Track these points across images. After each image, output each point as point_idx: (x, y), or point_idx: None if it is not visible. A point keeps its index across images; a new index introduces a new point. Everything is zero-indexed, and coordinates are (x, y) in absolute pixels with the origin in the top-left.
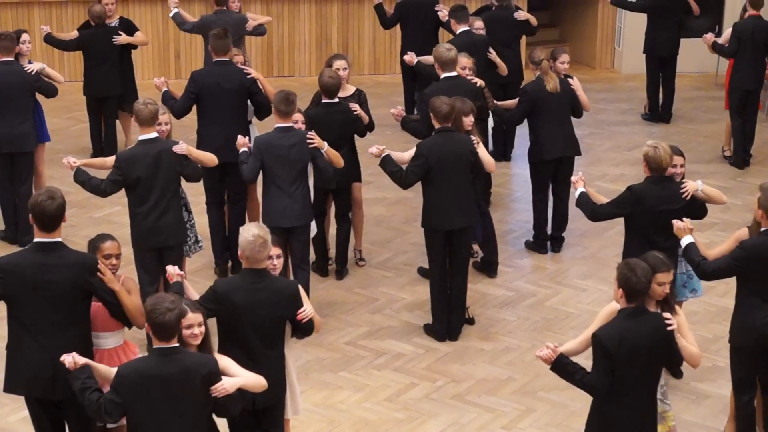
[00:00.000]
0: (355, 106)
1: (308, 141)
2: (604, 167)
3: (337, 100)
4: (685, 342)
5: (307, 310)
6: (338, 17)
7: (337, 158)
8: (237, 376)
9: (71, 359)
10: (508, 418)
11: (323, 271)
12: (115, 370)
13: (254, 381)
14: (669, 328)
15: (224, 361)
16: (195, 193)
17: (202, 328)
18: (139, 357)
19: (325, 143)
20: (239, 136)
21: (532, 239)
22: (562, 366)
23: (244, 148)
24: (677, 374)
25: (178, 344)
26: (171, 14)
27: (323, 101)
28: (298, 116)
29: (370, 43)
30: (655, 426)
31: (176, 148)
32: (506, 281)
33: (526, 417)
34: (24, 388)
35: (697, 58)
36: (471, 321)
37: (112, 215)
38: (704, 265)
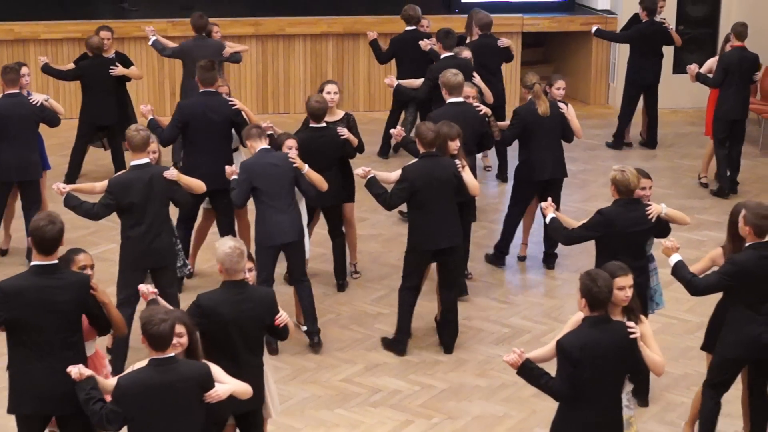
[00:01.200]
0: (342, 130)
1: (291, 159)
2: (599, 203)
3: (324, 124)
4: (649, 351)
5: (283, 316)
6: (333, 54)
7: (319, 181)
8: (227, 383)
9: (77, 370)
10: None
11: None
12: (112, 381)
13: (243, 388)
14: (631, 336)
15: (213, 369)
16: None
17: (183, 339)
18: (137, 368)
19: (306, 165)
20: (227, 166)
21: (493, 251)
22: (528, 371)
23: (234, 176)
24: (642, 403)
25: (173, 354)
26: (150, 42)
27: (311, 125)
28: (292, 143)
29: (365, 80)
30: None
31: (167, 174)
32: (501, 317)
33: None
34: (31, 407)
35: (692, 94)
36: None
37: (107, 252)
38: (695, 282)
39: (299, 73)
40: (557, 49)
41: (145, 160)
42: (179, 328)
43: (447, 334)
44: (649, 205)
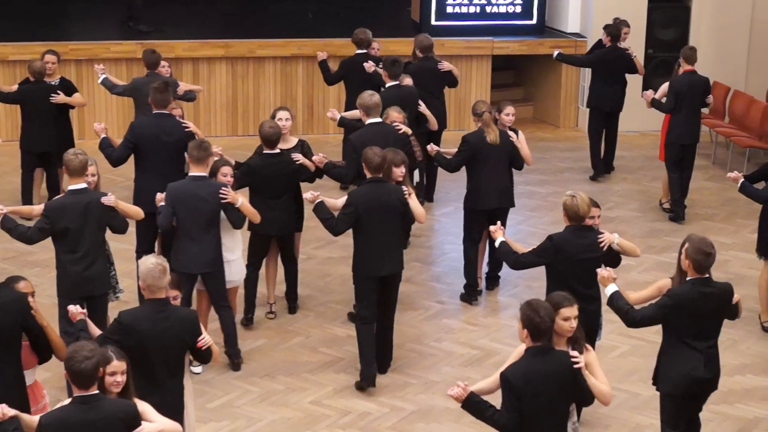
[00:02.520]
0: (297, 156)
1: (221, 195)
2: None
3: (278, 150)
4: (595, 380)
5: (206, 338)
6: (303, 77)
7: (253, 215)
8: (155, 422)
9: (0, 412)
10: None
11: (249, 322)
12: (36, 419)
13: (171, 427)
14: (575, 366)
15: (142, 407)
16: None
17: (125, 376)
18: (59, 406)
19: (239, 198)
20: (158, 193)
21: (463, 289)
22: (473, 404)
23: (163, 203)
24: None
25: (97, 391)
26: (99, 80)
27: (264, 151)
28: (227, 170)
29: (335, 102)
30: None
31: (104, 200)
32: (471, 340)
33: None
34: None
35: (660, 117)
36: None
37: None
38: (632, 313)
39: (269, 95)
40: (527, 73)
41: (83, 185)
42: (122, 365)
43: (382, 354)
44: (602, 233)
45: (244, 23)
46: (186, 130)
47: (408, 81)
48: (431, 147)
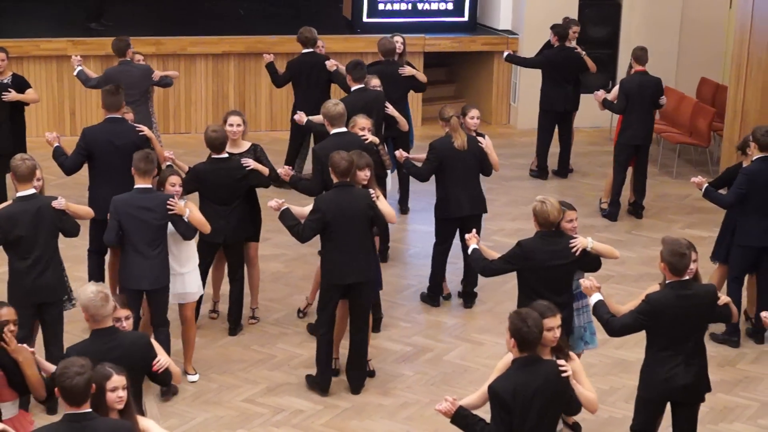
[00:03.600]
0: (247, 161)
1: (168, 207)
2: (502, 222)
3: (225, 155)
4: (582, 388)
5: (161, 360)
6: (234, 74)
7: (202, 225)
8: None
9: None
10: None
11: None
12: None
13: None
14: (563, 375)
15: (145, 423)
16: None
17: (126, 392)
18: (48, 424)
19: (187, 210)
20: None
21: (426, 291)
22: (462, 418)
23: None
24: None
25: (90, 410)
26: (75, 72)
27: (211, 156)
28: (175, 180)
29: (267, 100)
30: None
31: (55, 204)
32: (404, 336)
33: None
34: None
35: (592, 114)
36: (372, 374)
37: None
38: (612, 323)
39: (201, 93)
40: (459, 70)
41: (32, 191)
42: (122, 379)
43: (354, 376)
44: (574, 238)
45: (175, 20)
46: (140, 134)
47: (375, 82)
48: (400, 153)
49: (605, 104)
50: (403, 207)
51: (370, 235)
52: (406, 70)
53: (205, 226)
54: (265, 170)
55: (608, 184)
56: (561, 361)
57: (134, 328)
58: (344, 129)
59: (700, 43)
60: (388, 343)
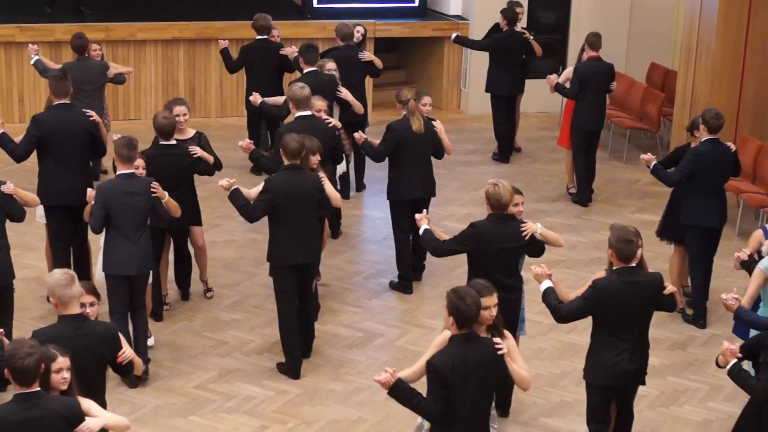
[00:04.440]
0: (194, 149)
1: (152, 190)
2: (452, 207)
3: (174, 142)
4: (515, 366)
5: (126, 352)
6: (184, 60)
7: (176, 209)
8: (99, 416)
9: None
10: None
11: (158, 317)
12: None
13: (117, 421)
14: (499, 353)
15: (86, 404)
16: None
17: (70, 373)
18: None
19: (167, 193)
20: (88, 189)
21: (397, 279)
22: (400, 391)
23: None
24: (503, 414)
25: (39, 389)
26: (32, 62)
27: (160, 142)
28: (139, 162)
29: (216, 86)
30: None
31: (4, 188)
32: (355, 322)
33: None
34: None
35: (542, 99)
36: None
37: None
38: (559, 309)
39: (150, 79)
40: (410, 55)
41: None
42: (66, 360)
43: (303, 339)
44: (524, 222)
45: (123, 6)
46: (90, 119)
47: (330, 65)
48: (359, 135)
49: (557, 88)
50: (359, 184)
51: (318, 218)
52: (366, 55)
53: (178, 211)
54: (210, 158)
55: (569, 169)
56: (497, 339)
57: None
58: (309, 112)
59: (649, 29)
60: (339, 328)
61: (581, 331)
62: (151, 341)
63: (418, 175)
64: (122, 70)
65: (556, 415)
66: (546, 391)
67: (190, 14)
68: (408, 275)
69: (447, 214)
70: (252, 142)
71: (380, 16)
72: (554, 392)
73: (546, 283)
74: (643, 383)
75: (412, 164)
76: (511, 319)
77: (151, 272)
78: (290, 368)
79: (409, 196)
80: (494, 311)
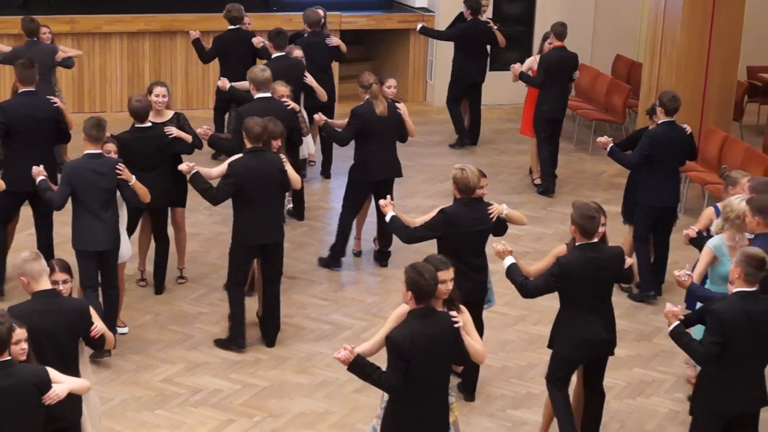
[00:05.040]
0: (170, 129)
1: (117, 171)
2: (418, 199)
3: (149, 124)
4: (470, 339)
5: (98, 326)
6: (150, 52)
7: (144, 193)
8: (62, 383)
9: None
10: None
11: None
12: None
13: (80, 384)
14: (456, 326)
15: (50, 372)
16: None
17: (27, 344)
18: None
19: (133, 177)
20: (34, 167)
21: (328, 253)
22: (360, 366)
23: (42, 177)
24: (469, 397)
25: (9, 357)
26: None
27: (135, 125)
28: (111, 146)
29: (182, 78)
30: (447, 421)
31: None
32: (322, 315)
33: None
34: None
35: (508, 91)
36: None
37: None
38: (526, 285)
39: (116, 72)
40: (376, 47)
41: None
42: (24, 332)
43: (270, 327)
44: (491, 204)
45: None
46: (54, 105)
47: (298, 53)
48: (319, 116)
49: (522, 77)
50: (326, 172)
51: (281, 199)
52: (333, 40)
53: (147, 195)
54: (188, 137)
55: (533, 159)
56: (453, 313)
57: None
58: (269, 94)
59: (614, 21)
60: (306, 321)
61: (548, 323)
62: (125, 330)
63: (383, 158)
64: (71, 54)
65: (523, 407)
66: (513, 383)
67: (156, 6)
68: (339, 253)
69: (413, 206)
70: (209, 128)
71: (346, 8)
72: (521, 384)
73: (509, 260)
74: (612, 354)
75: (378, 147)
76: (480, 297)
77: (128, 247)
78: (234, 341)
79: (374, 178)
80: (450, 285)
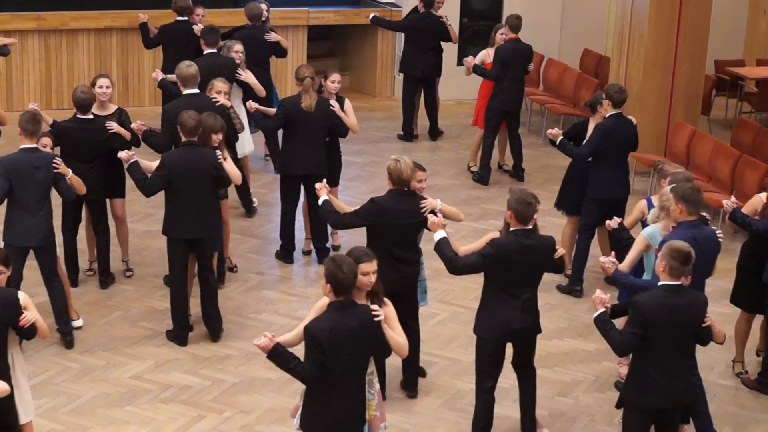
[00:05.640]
0: (110, 124)
1: (54, 165)
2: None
3: (91, 116)
4: (393, 333)
5: (28, 316)
6: (117, 49)
7: (80, 186)
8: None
9: None
10: None
11: (74, 283)
12: None
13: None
14: (376, 319)
15: None
16: None
17: None
18: None
19: (70, 171)
20: None
21: (279, 249)
22: (279, 355)
23: None
24: (411, 394)
25: None
26: None
27: (76, 116)
28: (46, 140)
29: (150, 75)
30: (364, 414)
31: None
32: (291, 310)
33: None
34: None
35: (476, 85)
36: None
37: None
38: (455, 260)
39: (83, 68)
40: (343, 43)
41: None
42: None
43: (213, 325)
44: (425, 198)
45: None
46: None
47: (238, 47)
48: (250, 104)
49: (477, 71)
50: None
51: (214, 194)
52: (272, 36)
53: (82, 188)
54: (128, 134)
55: (474, 148)
56: (374, 306)
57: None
58: (196, 90)
59: (582, 15)
60: (274, 317)
61: None
62: (79, 322)
63: (306, 152)
64: (6, 42)
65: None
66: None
67: (123, 3)
68: (290, 246)
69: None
70: (143, 123)
71: (314, 3)
72: (468, 381)
73: (440, 233)
74: (539, 331)
75: (301, 141)
76: (410, 291)
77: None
78: (177, 335)
79: (295, 171)
80: (374, 277)
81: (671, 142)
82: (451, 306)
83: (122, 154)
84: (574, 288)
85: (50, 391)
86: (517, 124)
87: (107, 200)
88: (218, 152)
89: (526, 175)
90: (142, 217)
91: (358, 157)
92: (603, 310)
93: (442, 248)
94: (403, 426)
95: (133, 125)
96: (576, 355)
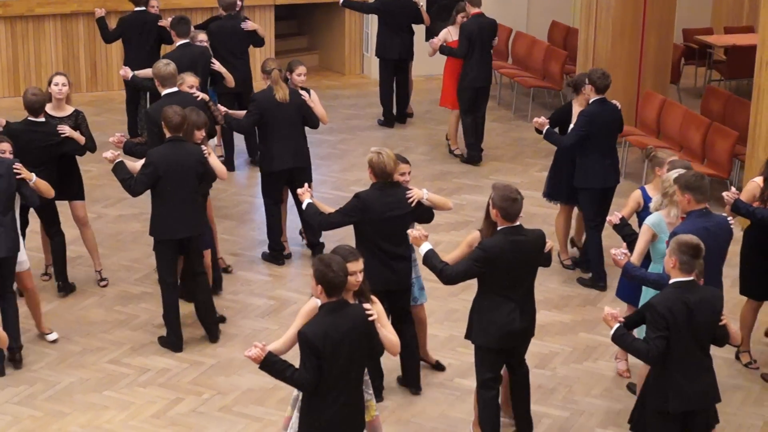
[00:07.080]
0: (63, 128)
1: (15, 171)
2: (358, 172)
3: (42, 119)
4: (385, 331)
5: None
6: (84, 34)
7: (47, 189)
8: None
9: None
10: (276, 426)
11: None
12: None
13: None
14: (369, 318)
15: None
16: None
17: None
18: None
19: (33, 175)
20: None
21: (267, 250)
22: (272, 364)
23: None
24: (415, 391)
25: None
26: None
27: (28, 118)
28: (5, 146)
29: (118, 60)
30: (363, 416)
31: None
32: (267, 290)
33: None
34: None
35: (441, 62)
36: (222, 319)
37: None
38: (446, 270)
39: (51, 55)
40: (310, 21)
41: None
42: None
43: (210, 326)
44: (410, 189)
45: None
46: None
47: (202, 37)
48: (219, 108)
49: (443, 50)
50: (230, 165)
51: (200, 192)
52: (249, 25)
53: (50, 191)
54: (81, 139)
55: (452, 130)
56: (367, 305)
57: None
58: (175, 89)
59: None
60: (251, 297)
61: None
62: (53, 336)
63: (286, 145)
64: None
65: (470, 376)
66: (460, 352)
67: None
68: (278, 246)
69: (354, 179)
70: (123, 135)
71: None
72: (468, 353)
73: (426, 246)
74: (533, 334)
75: (279, 134)
76: (404, 288)
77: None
78: (171, 342)
79: (279, 167)
80: (360, 277)
81: (641, 112)
82: (426, 281)
83: (107, 155)
84: (597, 284)
85: (28, 378)
86: (485, 101)
87: (67, 203)
88: (203, 147)
89: (497, 150)
90: (115, 202)
91: (330, 135)
92: (618, 325)
93: (431, 260)
94: (404, 425)
95: (112, 139)
96: (552, 327)
